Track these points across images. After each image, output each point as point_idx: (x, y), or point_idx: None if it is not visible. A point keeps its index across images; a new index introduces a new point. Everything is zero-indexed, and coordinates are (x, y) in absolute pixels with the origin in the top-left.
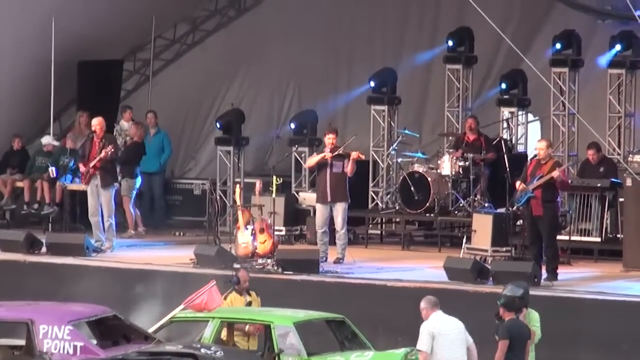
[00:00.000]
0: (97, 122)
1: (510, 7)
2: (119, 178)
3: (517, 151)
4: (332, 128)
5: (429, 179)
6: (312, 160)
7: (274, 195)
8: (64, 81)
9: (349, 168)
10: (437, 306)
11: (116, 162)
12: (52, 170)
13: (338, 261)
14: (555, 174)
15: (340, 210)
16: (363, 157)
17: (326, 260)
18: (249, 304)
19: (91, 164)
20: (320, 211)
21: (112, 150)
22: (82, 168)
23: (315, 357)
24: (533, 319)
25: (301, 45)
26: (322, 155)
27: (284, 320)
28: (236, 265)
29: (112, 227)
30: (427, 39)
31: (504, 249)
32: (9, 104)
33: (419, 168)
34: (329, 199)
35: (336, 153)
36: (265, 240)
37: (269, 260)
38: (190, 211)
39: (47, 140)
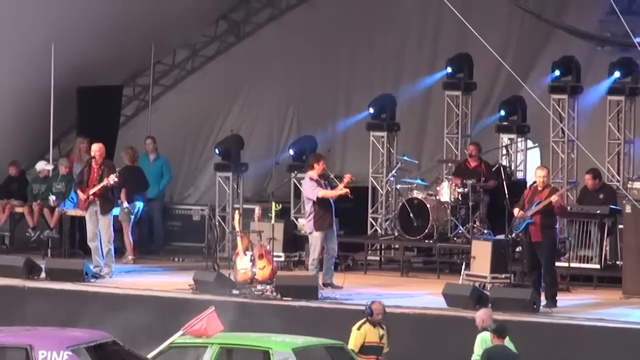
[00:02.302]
0: (97, 148)
1: (510, 33)
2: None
3: (516, 178)
4: (322, 155)
5: (428, 205)
6: (331, 194)
7: (273, 221)
8: (63, 107)
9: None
10: None
11: (115, 189)
12: (52, 199)
13: (334, 286)
14: (554, 198)
15: (335, 235)
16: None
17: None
18: (381, 337)
19: (91, 191)
20: (322, 238)
21: (116, 179)
22: (80, 194)
23: None
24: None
25: (300, 71)
26: (344, 191)
27: (282, 347)
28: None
29: (111, 253)
30: (426, 66)
31: (503, 275)
32: (9, 130)
33: (418, 194)
34: (334, 225)
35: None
36: (264, 266)
37: (267, 286)
38: (189, 237)
39: (41, 166)
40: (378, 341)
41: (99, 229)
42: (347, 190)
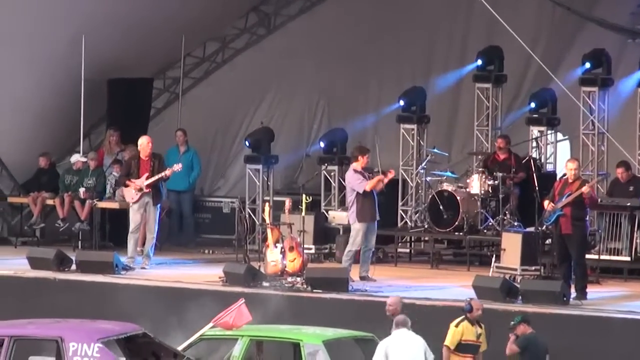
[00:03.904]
0: (147, 141)
1: (540, 26)
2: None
3: (546, 170)
4: (367, 148)
5: (458, 197)
6: (372, 183)
7: (303, 213)
8: (94, 99)
9: (380, 187)
10: (401, 325)
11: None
12: (82, 192)
13: (369, 279)
14: (586, 189)
15: (376, 229)
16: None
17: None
18: (479, 336)
19: (147, 182)
20: (363, 230)
21: (180, 168)
22: (133, 185)
23: None
24: None
25: (331, 63)
26: (379, 177)
27: (313, 339)
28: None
29: (153, 244)
30: (456, 58)
31: (533, 267)
32: (40, 122)
33: (448, 187)
34: (378, 217)
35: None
36: (294, 259)
37: (298, 279)
38: (219, 229)
39: (76, 158)
40: (475, 339)
41: (145, 220)
42: (383, 175)
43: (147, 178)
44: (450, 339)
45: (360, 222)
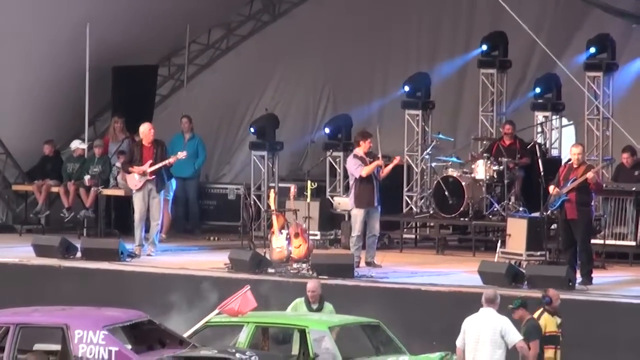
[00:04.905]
0: (149, 128)
1: (545, 11)
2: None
3: (551, 155)
4: (369, 133)
5: (463, 183)
6: (369, 168)
7: (308, 199)
8: (98, 86)
9: (383, 173)
10: (486, 303)
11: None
12: (86, 179)
13: (374, 265)
14: (590, 175)
15: (378, 214)
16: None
17: (359, 264)
18: (559, 326)
19: (151, 169)
20: (362, 216)
21: (185, 156)
22: (136, 170)
23: None
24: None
25: (336, 50)
26: (377, 162)
27: (319, 325)
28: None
29: (158, 231)
30: (461, 44)
31: (539, 253)
32: (45, 110)
33: (453, 172)
34: (375, 204)
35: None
36: (300, 245)
37: (303, 265)
38: (224, 216)
39: (75, 145)
40: (557, 330)
41: (148, 207)
42: (381, 162)
43: (151, 165)
44: None
45: (357, 207)
